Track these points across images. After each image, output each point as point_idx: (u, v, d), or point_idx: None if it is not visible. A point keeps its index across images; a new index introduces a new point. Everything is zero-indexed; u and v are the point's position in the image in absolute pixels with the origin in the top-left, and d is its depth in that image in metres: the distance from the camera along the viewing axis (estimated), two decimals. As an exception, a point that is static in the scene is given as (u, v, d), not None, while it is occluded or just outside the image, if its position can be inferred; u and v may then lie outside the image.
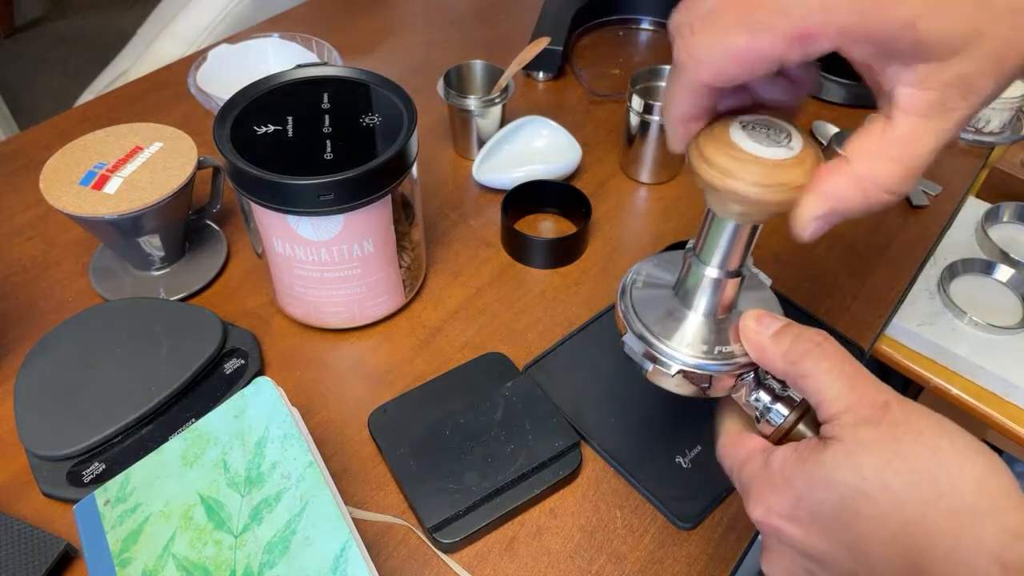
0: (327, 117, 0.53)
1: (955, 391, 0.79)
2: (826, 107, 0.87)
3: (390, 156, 0.50)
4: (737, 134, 0.32)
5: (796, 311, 0.63)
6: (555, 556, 0.48)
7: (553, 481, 0.50)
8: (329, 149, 0.50)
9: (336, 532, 0.40)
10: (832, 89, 0.87)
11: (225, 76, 0.76)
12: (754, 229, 0.36)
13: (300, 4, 1.05)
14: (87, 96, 1.13)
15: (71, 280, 0.65)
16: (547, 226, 0.72)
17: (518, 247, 0.67)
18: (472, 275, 0.66)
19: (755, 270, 0.41)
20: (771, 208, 0.32)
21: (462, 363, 0.57)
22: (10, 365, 0.58)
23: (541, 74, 0.90)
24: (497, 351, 0.58)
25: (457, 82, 0.76)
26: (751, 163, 0.31)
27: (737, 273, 0.38)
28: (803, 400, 0.36)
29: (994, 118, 0.81)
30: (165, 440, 0.48)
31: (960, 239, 0.87)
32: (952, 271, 0.83)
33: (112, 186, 0.57)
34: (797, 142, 0.32)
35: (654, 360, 0.38)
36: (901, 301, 0.67)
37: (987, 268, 0.84)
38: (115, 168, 0.58)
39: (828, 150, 0.77)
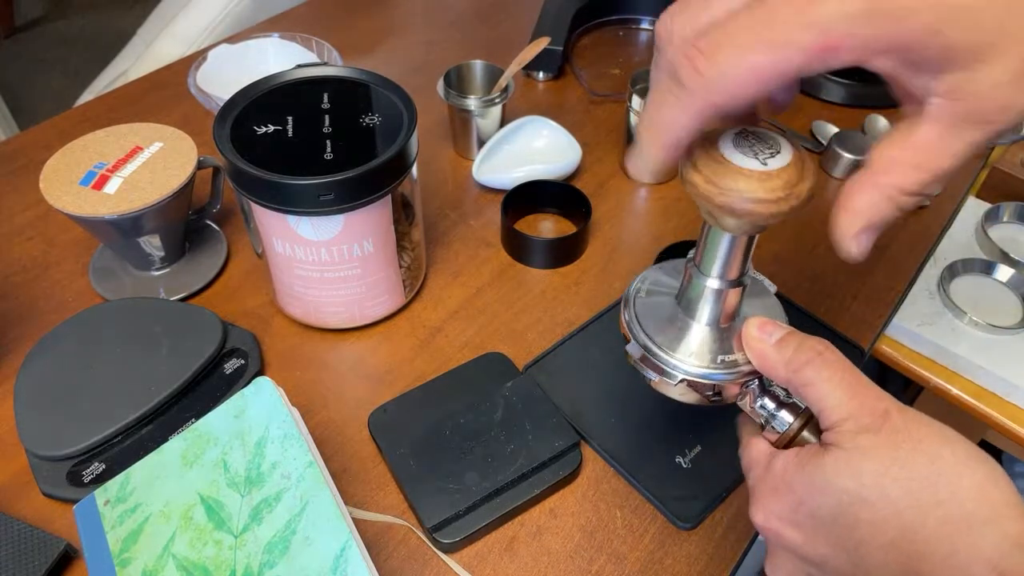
0: (327, 117, 0.53)
1: (955, 391, 0.79)
2: (826, 107, 0.87)
3: (390, 156, 0.50)
4: (727, 147, 0.32)
5: (796, 311, 0.63)
6: (555, 556, 0.48)
7: (553, 481, 0.50)
8: (329, 149, 0.50)
9: (336, 532, 0.40)
10: (832, 89, 0.87)
11: (225, 76, 0.76)
12: (751, 239, 0.36)
13: (300, 4, 1.05)
14: (87, 96, 1.13)
15: (71, 280, 0.65)
16: (547, 226, 0.72)
17: (518, 247, 0.67)
18: (472, 275, 0.66)
19: (759, 276, 0.42)
20: (766, 220, 0.32)
21: (462, 363, 0.57)
22: (10, 365, 0.58)
23: (541, 74, 0.90)
24: (497, 351, 0.58)
25: (457, 82, 0.76)
26: (743, 177, 0.31)
27: (738, 282, 0.38)
28: (807, 407, 0.36)
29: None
30: (165, 440, 0.48)
31: (960, 239, 0.87)
32: (952, 271, 0.83)
33: (112, 186, 0.57)
34: (787, 152, 0.32)
35: (659, 371, 0.39)
36: (901, 301, 0.67)
37: (987, 268, 0.84)
38: (115, 168, 0.58)
39: (828, 150, 0.77)
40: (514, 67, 0.75)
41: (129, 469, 0.46)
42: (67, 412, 0.51)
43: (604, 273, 0.67)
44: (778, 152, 0.32)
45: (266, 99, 0.54)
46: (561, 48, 0.86)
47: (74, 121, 0.82)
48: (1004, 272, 0.83)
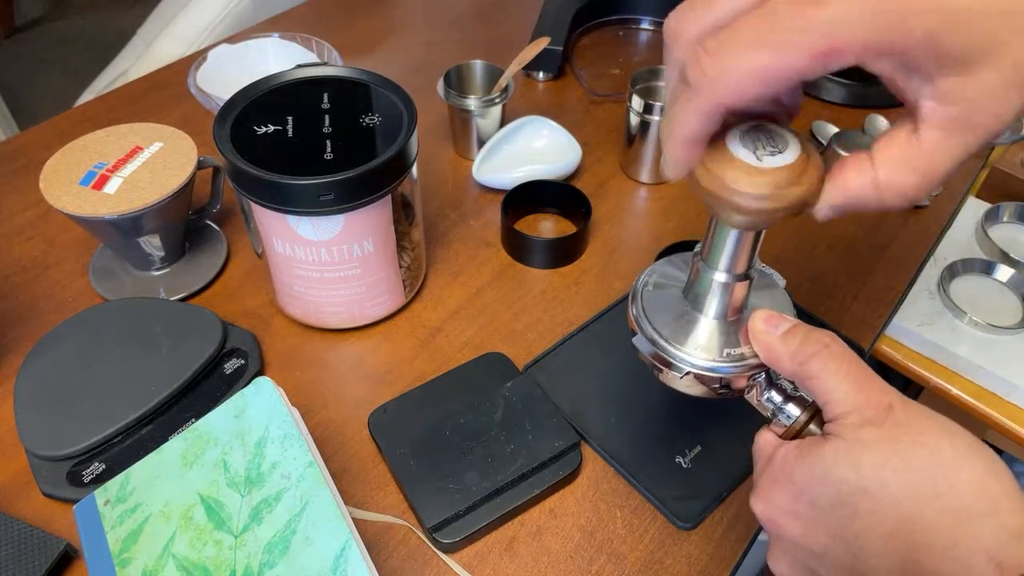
0: (327, 117, 0.53)
1: (955, 391, 0.79)
2: (826, 107, 0.87)
3: (390, 156, 0.50)
4: (735, 144, 0.32)
5: (796, 311, 0.63)
6: (555, 556, 0.48)
7: (553, 481, 0.50)
8: (329, 149, 0.50)
9: (336, 532, 0.40)
10: (832, 89, 0.87)
11: (225, 76, 0.76)
12: (758, 233, 0.36)
13: (300, 4, 1.05)
14: (87, 96, 1.13)
15: (71, 280, 0.65)
16: (547, 226, 0.72)
17: (518, 247, 0.67)
18: (472, 275, 0.66)
19: (768, 270, 0.42)
20: (772, 216, 0.32)
21: (462, 363, 0.57)
22: (10, 365, 0.58)
23: (541, 74, 0.90)
24: (497, 351, 0.58)
25: (457, 82, 0.76)
26: (750, 173, 0.31)
27: (745, 276, 0.38)
28: (814, 400, 0.36)
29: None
30: (165, 440, 0.48)
31: (960, 239, 0.87)
32: (952, 271, 0.83)
33: (112, 186, 0.57)
34: (795, 148, 0.32)
35: (666, 364, 0.39)
36: (901, 301, 0.67)
37: (987, 268, 0.84)
38: (115, 168, 0.58)
39: (828, 150, 0.77)
40: (514, 67, 0.75)
41: (129, 469, 0.46)
42: (67, 412, 0.51)
43: (604, 273, 0.67)
44: (780, 151, 0.32)
45: (266, 99, 0.54)
46: (561, 48, 0.86)
47: (74, 121, 0.82)
48: (1004, 272, 0.83)
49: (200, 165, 0.60)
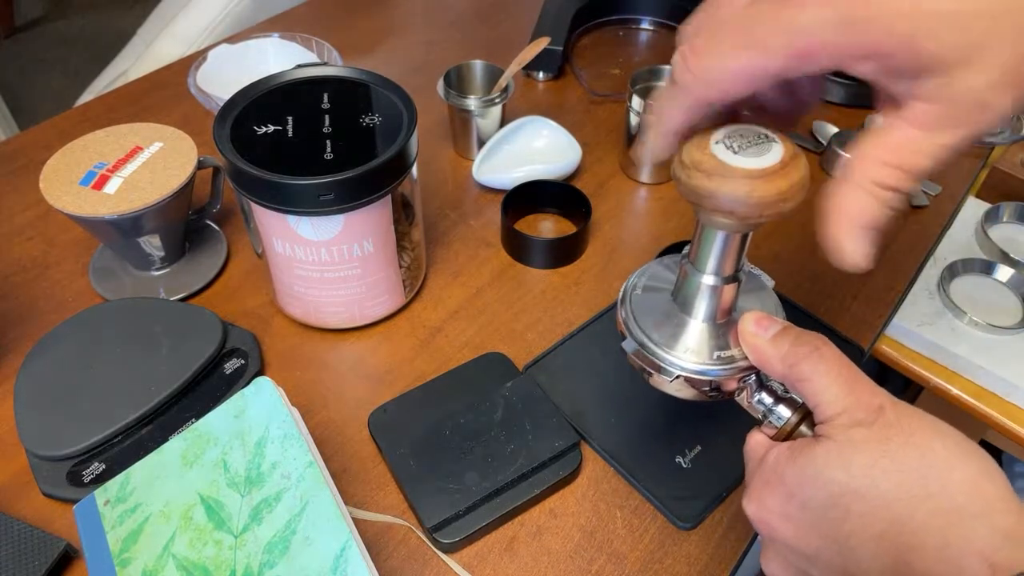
0: (327, 117, 0.53)
1: (955, 391, 0.79)
2: (826, 107, 0.87)
3: (390, 156, 0.50)
4: (718, 146, 0.32)
5: (796, 311, 0.63)
6: (555, 556, 0.48)
7: (553, 481, 0.50)
8: (329, 149, 0.50)
9: (336, 532, 0.40)
10: (832, 89, 0.87)
11: (225, 76, 0.76)
12: (745, 236, 0.36)
13: (300, 4, 1.05)
14: (87, 96, 1.13)
15: (71, 280, 0.65)
16: (547, 226, 0.72)
17: (518, 247, 0.67)
18: (472, 275, 0.66)
19: (756, 271, 0.41)
20: (757, 219, 0.32)
21: (462, 363, 0.57)
22: (10, 365, 0.58)
23: (541, 74, 0.90)
24: (497, 351, 0.58)
25: (457, 82, 0.76)
26: (733, 176, 0.31)
27: (733, 278, 0.38)
28: (804, 402, 0.36)
29: (994, 118, 0.81)
30: (165, 440, 0.48)
31: (960, 239, 0.87)
32: (952, 271, 0.83)
33: (112, 186, 0.57)
34: (778, 149, 0.32)
35: (655, 368, 0.39)
36: (901, 301, 0.67)
37: (987, 268, 0.84)
38: (115, 168, 0.58)
39: (828, 150, 0.77)
40: (514, 67, 0.75)
41: (129, 469, 0.46)
42: (67, 412, 0.51)
43: (604, 273, 0.67)
44: (760, 154, 0.31)
45: (266, 99, 0.54)
46: (561, 48, 0.86)
47: (74, 121, 0.82)
48: (1004, 272, 0.83)
49: (200, 165, 0.60)
